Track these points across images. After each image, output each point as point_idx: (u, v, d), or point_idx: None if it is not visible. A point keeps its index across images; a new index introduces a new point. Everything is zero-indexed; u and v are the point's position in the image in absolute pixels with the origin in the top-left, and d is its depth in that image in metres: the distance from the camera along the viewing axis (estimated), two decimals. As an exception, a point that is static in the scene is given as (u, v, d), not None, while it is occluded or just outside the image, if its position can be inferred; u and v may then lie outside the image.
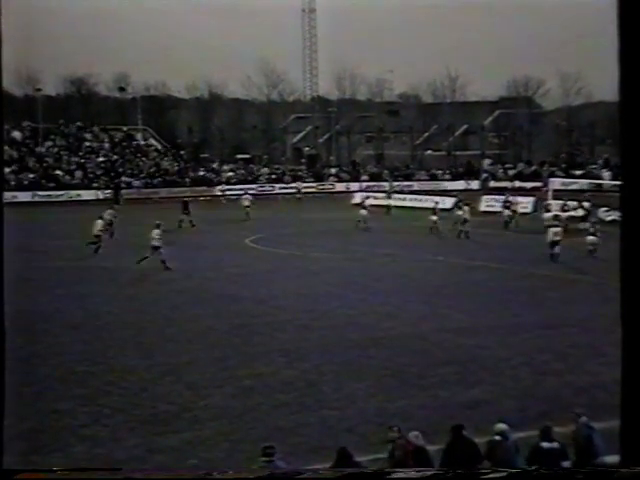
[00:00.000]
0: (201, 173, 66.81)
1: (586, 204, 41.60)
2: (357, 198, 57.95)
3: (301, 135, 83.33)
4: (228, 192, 60.92)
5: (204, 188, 63.44)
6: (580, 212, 40.88)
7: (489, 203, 48.36)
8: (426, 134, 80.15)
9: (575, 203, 41.31)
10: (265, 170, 68.78)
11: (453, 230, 36.57)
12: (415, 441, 9.55)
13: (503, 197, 44.64)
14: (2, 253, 7.13)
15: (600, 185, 57.52)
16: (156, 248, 27.12)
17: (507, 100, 78.77)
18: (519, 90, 78.06)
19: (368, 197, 46.01)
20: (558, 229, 29.76)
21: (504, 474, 7.60)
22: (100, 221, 31.76)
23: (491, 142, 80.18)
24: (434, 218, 37.61)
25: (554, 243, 28.93)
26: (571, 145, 77.18)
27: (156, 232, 27.31)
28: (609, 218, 42.61)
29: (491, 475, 7.48)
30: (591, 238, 30.05)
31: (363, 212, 40.02)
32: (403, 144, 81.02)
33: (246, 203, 45.52)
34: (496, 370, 15.50)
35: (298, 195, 61.29)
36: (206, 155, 76.15)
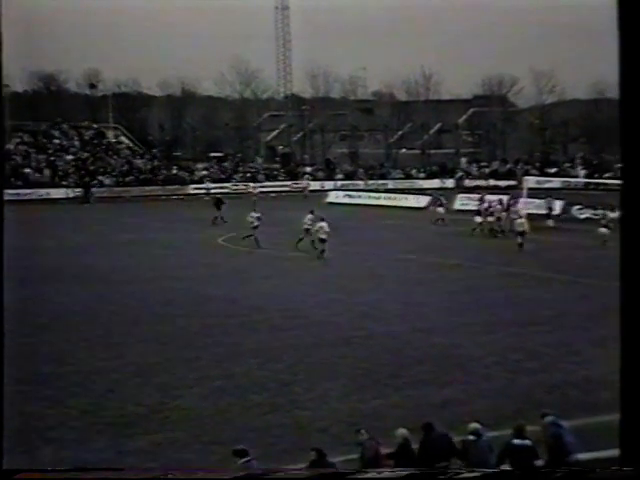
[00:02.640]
0: (174, 171, 66.49)
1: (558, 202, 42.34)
2: (332, 196, 58.18)
3: (275, 133, 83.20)
4: (212, 190, 60.94)
5: (177, 187, 63.18)
6: (543, 209, 41.36)
7: (464, 202, 48.64)
8: (400, 132, 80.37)
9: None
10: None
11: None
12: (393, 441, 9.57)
13: (479, 195, 44.92)
14: (2, 253, 7.10)
15: (576, 183, 58.21)
16: (323, 241, 29.28)
17: (481, 98, 79.25)
18: (493, 88, 78.53)
19: (441, 196, 46.69)
20: (523, 220, 32.99)
21: (478, 474, 7.60)
22: (310, 215, 31.79)
23: (465, 140, 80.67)
24: (479, 220, 37.89)
25: (520, 233, 32.03)
26: (545, 143, 77.82)
27: (322, 225, 29.53)
28: (582, 216, 43.12)
29: (464, 475, 7.47)
30: (603, 230, 32.45)
31: (440, 210, 41.60)
32: (377, 142, 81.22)
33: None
34: (469, 369, 15.54)
35: (305, 193, 62.02)
36: (179, 153, 75.76)
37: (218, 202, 42.34)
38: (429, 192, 55.17)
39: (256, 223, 32.65)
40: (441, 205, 42.23)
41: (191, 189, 63.00)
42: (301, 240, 31.14)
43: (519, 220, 33.25)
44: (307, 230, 31.19)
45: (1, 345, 7.16)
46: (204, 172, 67.18)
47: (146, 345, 17.36)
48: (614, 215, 32.33)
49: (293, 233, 32.42)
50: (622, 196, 7.20)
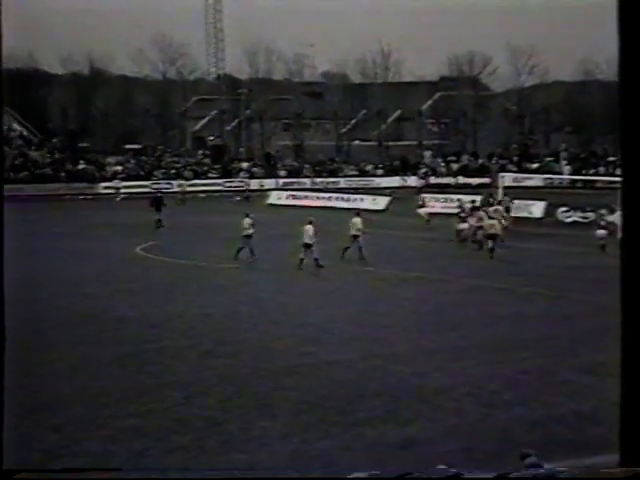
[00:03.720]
0: (81, 166, 65.92)
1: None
2: (273, 197, 58.23)
3: (204, 121, 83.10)
4: (124, 189, 60.78)
5: (84, 185, 62.64)
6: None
7: (430, 203, 49.14)
8: (354, 121, 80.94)
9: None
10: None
11: None
12: None
13: (445, 196, 45.59)
14: (2, 253, 7.88)
15: (560, 181, 59.22)
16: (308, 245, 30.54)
17: (449, 80, 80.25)
18: (462, 69, 79.60)
19: (425, 198, 50.06)
20: (494, 221, 34.41)
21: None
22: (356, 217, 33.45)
23: (430, 130, 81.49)
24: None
25: (490, 237, 33.37)
26: (523, 134, 79.06)
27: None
28: (569, 220, 43.91)
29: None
30: (601, 232, 33.95)
31: (423, 210, 44.68)
32: (327, 133, 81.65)
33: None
34: (436, 403, 15.60)
35: (246, 195, 61.65)
36: (86, 144, 75.09)
37: (158, 202, 42.23)
38: (388, 192, 55.57)
39: (250, 231, 32.16)
40: (422, 206, 45.15)
41: (102, 188, 62.67)
42: (347, 249, 32.19)
43: (489, 221, 34.44)
44: (355, 237, 32.30)
45: (2, 348, 7.84)
46: (117, 167, 66.77)
47: (44, 377, 17.09)
48: (611, 218, 33.23)
49: (231, 241, 32.33)
50: (623, 194, 7.38)
